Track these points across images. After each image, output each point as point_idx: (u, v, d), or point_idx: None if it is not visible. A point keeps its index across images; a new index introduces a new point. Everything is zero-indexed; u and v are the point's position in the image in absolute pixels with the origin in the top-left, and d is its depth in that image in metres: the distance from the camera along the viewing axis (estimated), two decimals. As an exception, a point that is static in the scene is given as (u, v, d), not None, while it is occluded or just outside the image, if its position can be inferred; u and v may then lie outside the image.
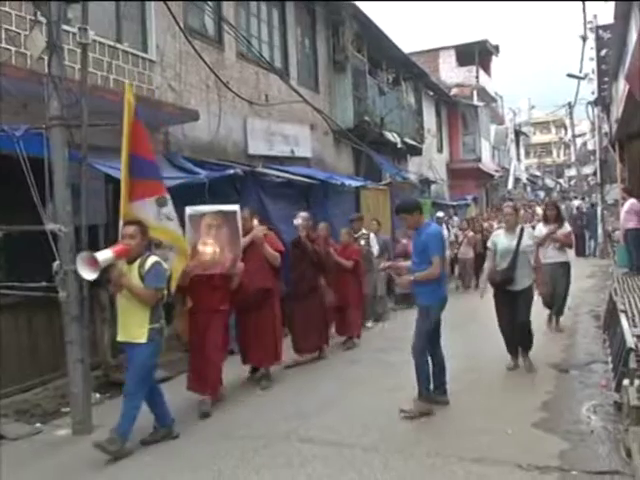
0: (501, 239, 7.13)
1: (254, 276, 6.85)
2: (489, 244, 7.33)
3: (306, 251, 8.07)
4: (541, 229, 9.15)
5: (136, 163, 5.69)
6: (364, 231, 10.75)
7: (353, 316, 9.16)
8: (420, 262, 5.87)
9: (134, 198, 5.70)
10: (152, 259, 5.21)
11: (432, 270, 5.75)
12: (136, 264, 5.16)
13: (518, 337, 7.07)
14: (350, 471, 4.56)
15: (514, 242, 6.95)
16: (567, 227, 9.36)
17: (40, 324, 7.14)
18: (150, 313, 5.16)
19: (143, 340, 5.11)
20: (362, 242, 10.43)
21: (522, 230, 7.10)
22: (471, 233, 15.11)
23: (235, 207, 6.65)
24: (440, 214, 16.01)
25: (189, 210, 6.44)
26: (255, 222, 7.18)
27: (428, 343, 5.85)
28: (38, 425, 5.99)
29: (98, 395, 6.80)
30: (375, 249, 10.91)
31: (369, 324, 10.60)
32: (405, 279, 6.14)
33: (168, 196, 5.89)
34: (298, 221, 8.06)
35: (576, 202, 30.31)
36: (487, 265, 7.38)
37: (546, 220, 9.37)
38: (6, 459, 4.92)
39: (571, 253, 10.90)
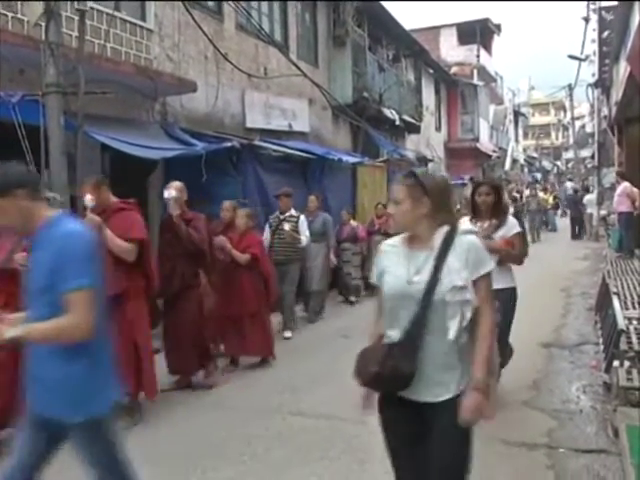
0: (389, 264, 2.81)
1: None
2: (372, 274, 2.92)
3: (179, 236, 5.85)
4: None
5: None
6: (293, 212, 8.50)
7: (251, 329, 6.76)
8: (43, 308, 2.59)
9: None
10: None
11: (72, 321, 2.53)
12: None
13: None
14: (340, 443, 4.61)
15: (422, 275, 2.66)
16: (513, 225, 5.12)
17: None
18: None
19: None
20: (286, 227, 8.33)
21: (450, 239, 2.69)
22: None
23: None
24: None
25: None
26: (88, 197, 4.81)
27: None
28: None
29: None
30: (305, 236, 8.51)
31: (287, 334, 8.27)
32: None
33: None
34: (170, 193, 5.82)
35: (569, 184, 30.38)
36: (369, 333, 3.02)
37: (476, 213, 5.16)
38: None
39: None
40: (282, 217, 8.43)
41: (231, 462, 4.39)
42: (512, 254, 5.07)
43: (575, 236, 21.46)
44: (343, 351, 7.34)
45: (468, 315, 2.62)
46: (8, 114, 5.75)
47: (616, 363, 5.26)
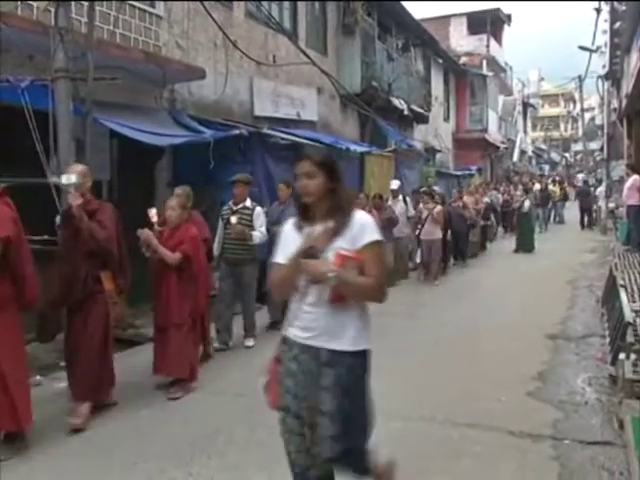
0: None
1: None
2: None
3: (79, 231, 4.76)
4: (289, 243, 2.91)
5: None
6: (248, 203, 7.13)
7: (178, 343, 5.54)
8: None
9: None
10: None
11: None
12: None
13: None
14: (345, 432, 4.62)
15: None
16: (363, 230, 2.75)
17: (40, 278, 7.12)
18: None
19: None
20: (233, 220, 6.89)
21: None
22: (438, 207, 11.47)
23: None
24: (394, 185, 12.15)
25: None
26: None
27: None
28: (38, 377, 6.05)
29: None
30: (259, 232, 7.00)
31: (249, 343, 7.12)
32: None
33: None
34: (69, 178, 4.73)
35: (580, 176, 30.41)
36: None
37: (304, 211, 3.03)
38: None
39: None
40: (235, 209, 7.09)
41: (236, 449, 4.41)
42: (356, 285, 2.68)
43: (584, 227, 21.70)
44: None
45: None
46: (17, 99, 5.75)
47: (622, 355, 5.25)
